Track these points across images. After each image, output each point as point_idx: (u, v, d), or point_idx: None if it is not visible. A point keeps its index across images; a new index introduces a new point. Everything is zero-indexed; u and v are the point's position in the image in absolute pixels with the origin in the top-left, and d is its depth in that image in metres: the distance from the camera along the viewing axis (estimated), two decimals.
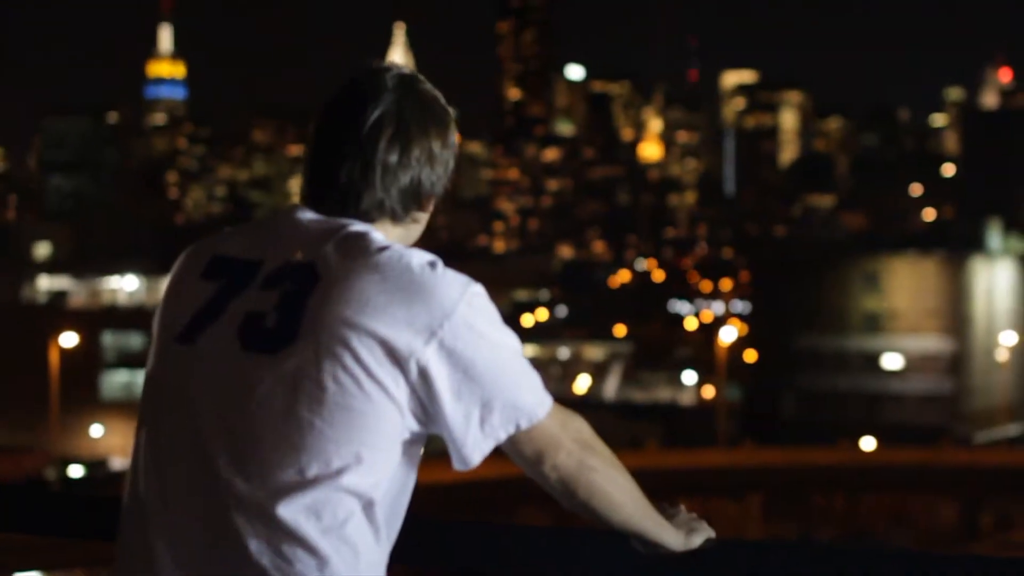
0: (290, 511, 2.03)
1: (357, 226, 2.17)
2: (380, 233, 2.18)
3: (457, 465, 2.13)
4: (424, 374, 2.06)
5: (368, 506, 2.07)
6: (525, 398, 2.11)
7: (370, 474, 2.06)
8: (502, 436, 2.11)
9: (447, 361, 2.06)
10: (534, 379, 2.13)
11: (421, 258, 2.11)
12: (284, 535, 2.03)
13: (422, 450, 2.18)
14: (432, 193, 2.27)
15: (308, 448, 2.04)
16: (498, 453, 2.18)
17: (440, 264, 2.12)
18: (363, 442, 2.05)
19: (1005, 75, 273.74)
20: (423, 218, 2.30)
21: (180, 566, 2.10)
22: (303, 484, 2.03)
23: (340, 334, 2.04)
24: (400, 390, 2.06)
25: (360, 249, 2.12)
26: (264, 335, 2.09)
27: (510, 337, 2.12)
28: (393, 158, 2.20)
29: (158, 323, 2.25)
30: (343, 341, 2.04)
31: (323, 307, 2.06)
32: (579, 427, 2.18)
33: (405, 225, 2.26)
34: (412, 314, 2.05)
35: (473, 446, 2.10)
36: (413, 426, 2.10)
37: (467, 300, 2.09)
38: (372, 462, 2.06)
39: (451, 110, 2.30)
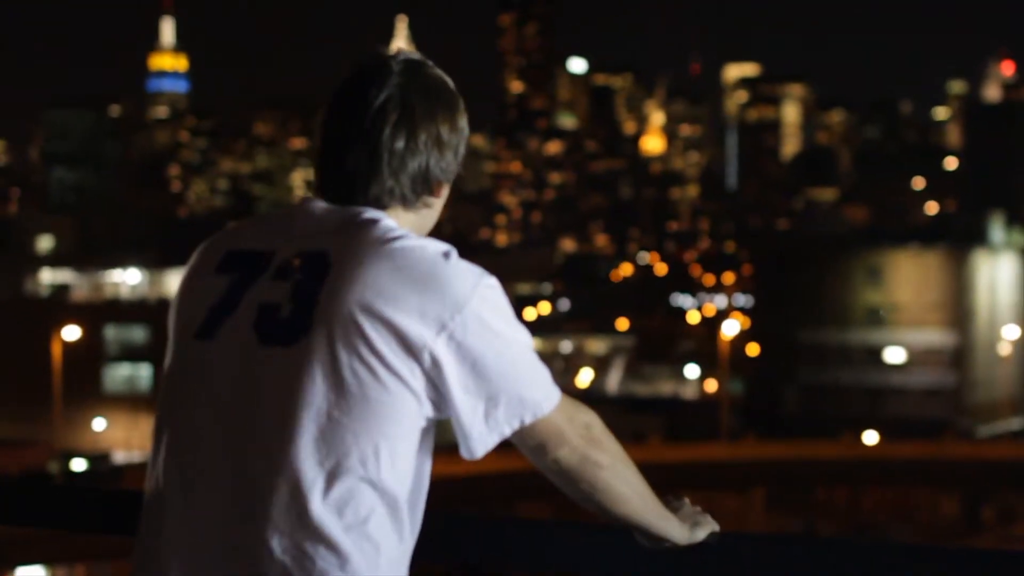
0: (312, 507, 2.02)
1: (369, 213, 2.15)
2: (392, 220, 2.16)
3: (463, 454, 2.13)
4: (436, 364, 2.05)
5: (389, 499, 2.06)
6: (531, 393, 2.10)
7: (390, 465, 2.05)
8: (507, 431, 2.11)
9: (456, 354, 2.05)
10: (542, 374, 2.12)
11: (435, 247, 2.09)
12: (306, 532, 2.02)
13: (432, 439, 2.18)
14: (442, 179, 2.24)
15: (327, 440, 2.03)
16: (503, 446, 2.19)
17: (454, 254, 2.10)
18: (382, 432, 2.04)
19: (1008, 68, 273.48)
20: (436, 203, 2.26)
21: (200, 563, 2.08)
22: (324, 478, 2.02)
23: (354, 322, 2.03)
24: (416, 379, 2.05)
25: (372, 237, 2.10)
26: (280, 326, 2.08)
27: (520, 332, 2.11)
28: (399, 144, 2.17)
29: (174, 320, 2.23)
30: (358, 329, 2.03)
31: (336, 295, 2.05)
32: (587, 421, 2.17)
33: (417, 211, 2.23)
34: (424, 304, 2.04)
35: (478, 439, 2.10)
36: (430, 412, 2.10)
37: (480, 293, 2.07)
38: (392, 452, 2.05)
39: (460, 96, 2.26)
